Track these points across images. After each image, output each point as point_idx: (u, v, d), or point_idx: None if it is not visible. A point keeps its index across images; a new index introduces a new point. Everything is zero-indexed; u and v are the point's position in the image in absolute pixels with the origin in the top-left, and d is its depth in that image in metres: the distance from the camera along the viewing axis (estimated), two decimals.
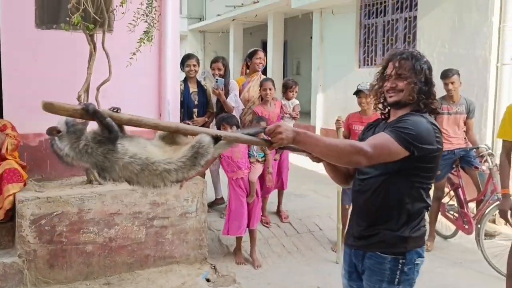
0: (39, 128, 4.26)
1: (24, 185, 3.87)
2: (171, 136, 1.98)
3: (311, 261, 4.52)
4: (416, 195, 2.03)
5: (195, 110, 5.13)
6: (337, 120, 4.64)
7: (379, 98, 2.16)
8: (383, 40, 7.72)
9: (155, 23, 4.20)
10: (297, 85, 5.26)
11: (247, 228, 4.35)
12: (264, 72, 11.34)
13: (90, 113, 1.77)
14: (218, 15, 13.38)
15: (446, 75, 4.71)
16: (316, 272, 4.30)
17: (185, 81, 5.15)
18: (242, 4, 12.39)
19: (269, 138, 1.87)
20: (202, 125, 5.14)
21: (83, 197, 3.82)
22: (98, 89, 3.94)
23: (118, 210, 3.95)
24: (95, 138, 1.81)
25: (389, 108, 2.15)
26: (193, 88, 5.14)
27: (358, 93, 4.51)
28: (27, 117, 4.17)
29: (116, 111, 1.83)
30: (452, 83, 4.69)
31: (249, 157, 4.40)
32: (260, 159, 4.46)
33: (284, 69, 12.17)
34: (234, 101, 5.02)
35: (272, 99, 4.96)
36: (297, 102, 5.23)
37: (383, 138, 1.92)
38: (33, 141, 4.28)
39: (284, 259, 4.53)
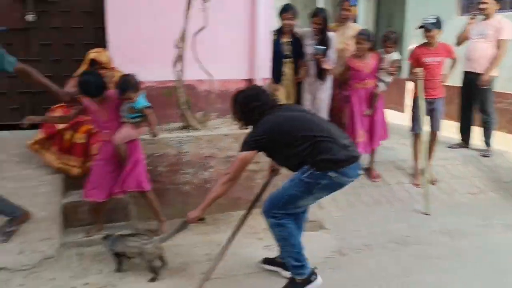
0: (141, 76, 4.58)
1: None
2: None
3: (399, 212, 4.48)
4: None
5: (286, 61, 5.12)
6: (416, 73, 4.62)
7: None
8: None
9: None
10: (398, 39, 4.97)
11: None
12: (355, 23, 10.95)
13: None
14: None
15: None
16: (405, 222, 4.26)
17: (279, 31, 5.11)
18: None
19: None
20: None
21: (181, 141, 4.06)
22: (194, 36, 4.08)
23: (213, 153, 4.16)
24: None
25: None
26: (285, 39, 5.09)
27: (424, 28, 4.67)
28: (130, 67, 4.44)
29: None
30: None
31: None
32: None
33: (376, 21, 11.60)
34: (331, 56, 4.98)
35: (369, 50, 4.77)
36: (397, 56, 4.91)
37: None
38: None
39: (372, 208, 4.52)
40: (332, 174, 2.73)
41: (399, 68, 4.93)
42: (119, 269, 3.24)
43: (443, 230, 4.13)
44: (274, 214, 2.89)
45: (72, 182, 4.04)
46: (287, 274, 3.14)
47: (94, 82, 3.45)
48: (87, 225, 3.82)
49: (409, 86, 8.24)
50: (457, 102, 6.12)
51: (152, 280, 3.12)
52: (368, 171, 5.02)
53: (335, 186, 2.82)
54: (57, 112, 4.01)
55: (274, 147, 2.86)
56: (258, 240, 3.81)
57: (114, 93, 3.61)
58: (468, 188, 5.11)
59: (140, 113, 3.60)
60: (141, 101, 3.58)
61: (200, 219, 3.00)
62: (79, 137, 3.97)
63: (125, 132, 3.61)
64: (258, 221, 4.10)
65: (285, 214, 2.89)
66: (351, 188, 4.71)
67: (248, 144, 2.83)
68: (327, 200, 4.57)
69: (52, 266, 3.27)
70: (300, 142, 2.76)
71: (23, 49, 4.52)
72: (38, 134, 3.98)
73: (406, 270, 3.36)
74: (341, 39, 5.10)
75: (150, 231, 3.89)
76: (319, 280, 3.01)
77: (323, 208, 4.43)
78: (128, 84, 3.51)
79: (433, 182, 4.96)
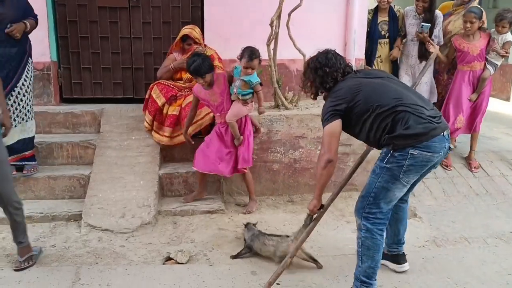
0: (233, 54, 4.64)
1: None
2: None
3: (502, 205, 4.17)
4: None
5: (381, 41, 4.93)
6: None
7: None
8: None
9: None
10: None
11: None
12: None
13: None
14: None
15: None
16: (508, 217, 3.95)
17: (376, 10, 4.93)
18: None
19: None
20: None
21: (272, 119, 4.08)
22: (289, 15, 4.04)
23: (303, 133, 4.13)
24: None
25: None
26: (382, 18, 4.89)
27: None
28: (223, 45, 4.54)
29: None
30: None
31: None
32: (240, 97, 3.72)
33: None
34: (438, 36, 4.68)
35: (479, 29, 4.42)
36: (510, 38, 4.46)
37: None
38: (228, 67, 4.60)
39: (470, 200, 4.24)
40: (412, 151, 2.44)
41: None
42: (237, 256, 3.16)
43: None
44: (367, 214, 2.60)
45: (168, 154, 4.24)
46: (396, 267, 3.01)
47: (201, 63, 3.58)
48: (180, 195, 4.00)
49: None
50: None
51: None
52: (467, 161, 4.71)
53: (421, 164, 2.49)
54: (155, 89, 4.19)
55: (350, 118, 2.58)
56: (346, 223, 3.74)
57: (222, 75, 3.77)
58: None
59: (252, 89, 3.67)
60: (255, 76, 3.67)
61: (321, 207, 2.79)
62: (173, 109, 4.14)
63: (237, 110, 3.72)
64: (346, 204, 4.06)
65: (379, 217, 2.60)
66: (447, 177, 4.52)
67: (328, 115, 2.59)
68: (420, 188, 4.38)
69: (149, 232, 3.47)
70: (376, 113, 2.49)
71: (127, 27, 4.76)
72: (147, 116, 4.23)
73: (509, 268, 3.11)
74: (458, 23, 4.73)
75: (239, 205, 4.00)
76: None
77: (416, 196, 4.23)
78: (256, 53, 3.61)
79: None
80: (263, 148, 4.10)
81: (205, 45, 4.42)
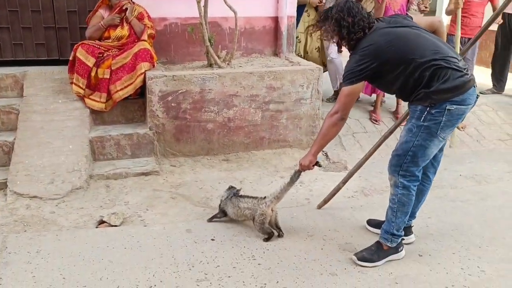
0: (164, 12, 4.50)
1: (153, 66, 4.16)
2: None
3: None
4: None
5: None
6: (457, 1, 4.33)
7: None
8: None
9: None
10: None
11: None
12: None
13: None
14: None
15: None
16: None
17: None
18: None
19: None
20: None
21: (204, 78, 4.02)
22: None
23: (237, 92, 4.12)
24: None
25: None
26: None
27: None
28: (152, 2, 4.37)
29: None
30: None
31: None
32: None
33: None
34: None
35: None
36: None
37: None
38: (158, 25, 4.48)
39: None
40: (449, 106, 2.40)
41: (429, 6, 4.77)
42: (211, 220, 3.10)
43: (469, 174, 4.08)
44: (405, 172, 2.58)
45: (98, 117, 4.11)
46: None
47: None
48: (113, 159, 3.91)
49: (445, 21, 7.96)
50: (491, 47, 5.90)
51: (266, 240, 2.87)
52: (395, 115, 4.94)
53: (456, 118, 2.47)
54: (80, 50, 3.98)
55: (381, 74, 2.48)
56: (280, 179, 3.83)
57: None
58: (498, 134, 5.00)
59: None
60: None
61: (316, 164, 2.76)
62: (102, 72, 3.98)
63: None
64: (280, 161, 4.15)
65: (416, 174, 2.59)
66: (375, 131, 4.71)
67: (355, 75, 2.46)
68: (351, 142, 4.56)
69: (81, 197, 3.38)
70: (412, 66, 2.40)
71: None
72: (79, 80, 3.98)
73: (429, 212, 3.35)
74: None
75: (174, 166, 3.97)
76: (403, 252, 2.79)
77: (347, 150, 4.40)
78: None
79: (460, 128, 4.86)
80: (197, 108, 4.06)
81: (133, 2, 4.25)
